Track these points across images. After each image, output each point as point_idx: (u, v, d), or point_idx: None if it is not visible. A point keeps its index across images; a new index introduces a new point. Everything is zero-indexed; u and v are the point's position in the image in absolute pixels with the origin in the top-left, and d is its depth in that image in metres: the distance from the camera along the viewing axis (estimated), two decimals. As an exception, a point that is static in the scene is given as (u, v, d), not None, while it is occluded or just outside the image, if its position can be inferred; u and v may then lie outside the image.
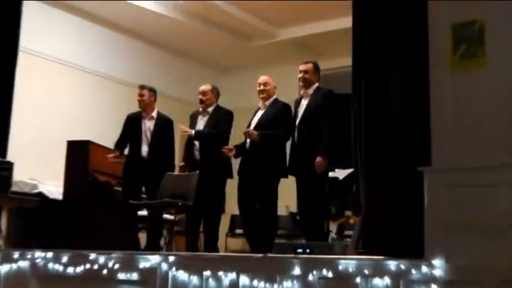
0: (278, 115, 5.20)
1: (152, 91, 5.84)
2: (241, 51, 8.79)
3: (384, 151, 3.58)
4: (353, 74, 3.98)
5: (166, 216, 6.19)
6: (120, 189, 5.90)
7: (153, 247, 5.46)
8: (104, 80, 7.99)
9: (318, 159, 4.75)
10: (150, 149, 5.65)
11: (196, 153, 5.48)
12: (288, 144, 5.17)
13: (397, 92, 3.58)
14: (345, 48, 4.48)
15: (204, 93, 5.60)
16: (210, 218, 5.47)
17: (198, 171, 5.29)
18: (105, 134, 6.35)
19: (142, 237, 5.87)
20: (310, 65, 5.10)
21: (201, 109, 5.64)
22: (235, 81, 8.96)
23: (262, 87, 5.32)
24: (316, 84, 5.08)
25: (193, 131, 5.46)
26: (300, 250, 3.77)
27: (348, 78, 4.38)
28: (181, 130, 5.53)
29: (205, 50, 8.87)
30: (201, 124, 5.57)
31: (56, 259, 4.28)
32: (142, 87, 5.82)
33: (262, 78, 5.37)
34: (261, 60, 8.71)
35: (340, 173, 6.25)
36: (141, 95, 5.78)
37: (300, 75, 5.10)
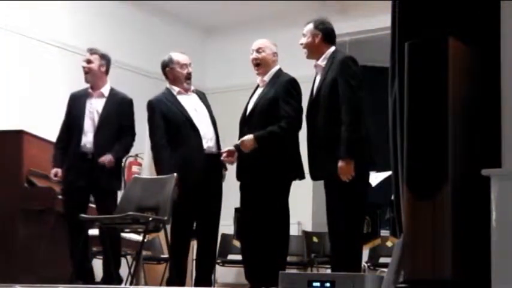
0: (281, 95, 5.12)
1: (104, 58, 5.77)
2: (238, 6, 8.77)
3: (434, 147, 3.54)
4: (392, 39, 3.94)
5: (131, 236, 6.19)
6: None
7: (112, 278, 5.43)
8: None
9: (341, 164, 4.69)
10: (95, 139, 5.60)
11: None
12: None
13: (455, 66, 3.52)
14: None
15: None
16: (208, 239, 5.47)
17: (175, 174, 5.31)
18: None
19: (98, 265, 5.87)
20: (308, 26, 5.07)
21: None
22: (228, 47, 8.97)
23: (255, 54, 5.30)
24: (332, 49, 5.00)
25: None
26: (316, 284, 3.75)
27: (384, 44, 4.35)
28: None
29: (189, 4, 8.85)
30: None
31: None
32: (91, 51, 5.75)
33: (257, 43, 5.35)
34: (263, 20, 8.70)
35: (373, 178, 6.22)
36: (88, 61, 5.70)
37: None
